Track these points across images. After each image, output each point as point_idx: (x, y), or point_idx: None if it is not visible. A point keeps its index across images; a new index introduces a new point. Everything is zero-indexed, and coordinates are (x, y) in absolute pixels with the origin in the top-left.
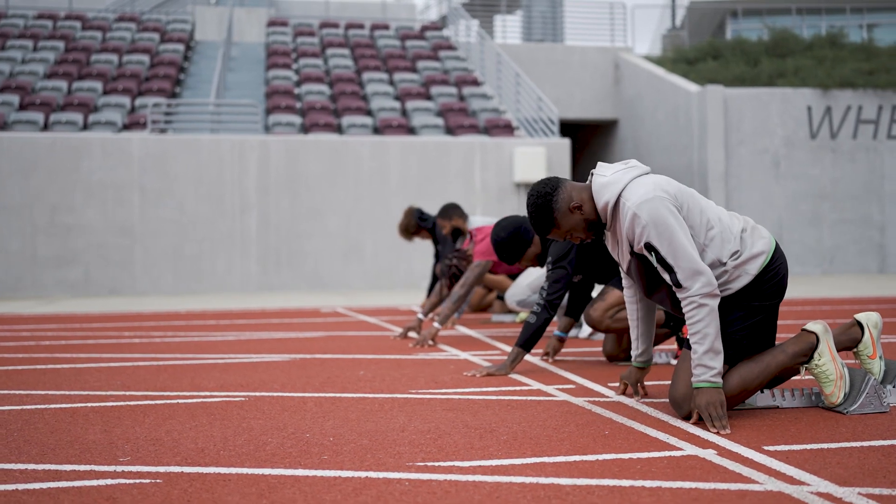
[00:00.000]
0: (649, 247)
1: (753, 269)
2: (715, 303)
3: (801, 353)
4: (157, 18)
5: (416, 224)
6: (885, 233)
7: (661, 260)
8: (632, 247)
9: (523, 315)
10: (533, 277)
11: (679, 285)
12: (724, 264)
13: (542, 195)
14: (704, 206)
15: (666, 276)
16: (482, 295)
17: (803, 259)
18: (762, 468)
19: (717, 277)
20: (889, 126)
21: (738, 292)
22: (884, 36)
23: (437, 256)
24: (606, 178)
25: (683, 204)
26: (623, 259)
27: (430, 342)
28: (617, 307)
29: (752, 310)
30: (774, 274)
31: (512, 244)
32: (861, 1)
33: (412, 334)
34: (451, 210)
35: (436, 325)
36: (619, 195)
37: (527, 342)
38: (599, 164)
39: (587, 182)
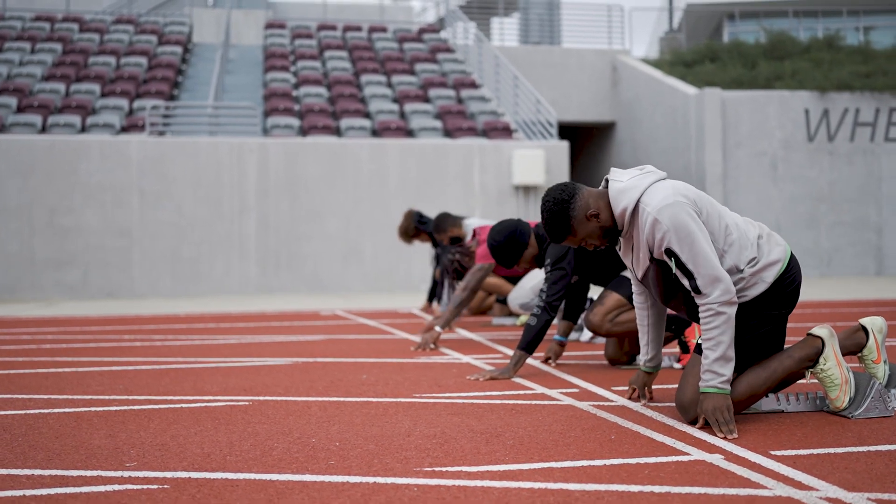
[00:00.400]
0: (669, 252)
1: (770, 276)
2: (733, 311)
3: (808, 357)
4: (154, 20)
5: (414, 227)
6: (883, 235)
7: (680, 265)
8: (651, 253)
9: (524, 318)
10: (537, 280)
11: (698, 291)
12: (742, 271)
13: (560, 202)
14: (721, 211)
15: (685, 282)
16: (482, 298)
17: (801, 261)
18: (770, 473)
19: (735, 284)
20: (886, 128)
21: (754, 300)
22: (880, 38)
23: (438, 260)
24: (623, 184)
25: (703, 209)
26: (639, 266)
27: (432, 346)
28: (616, 311)
29: (766, 318)
30: (791, 282)
31: (508, 248)
32: (857, 3)
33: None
34: (444, 222)
35: (437, 328)
36: (639, 200)
37: (529, 345)
38: (613, 169)
39: (601, 187)
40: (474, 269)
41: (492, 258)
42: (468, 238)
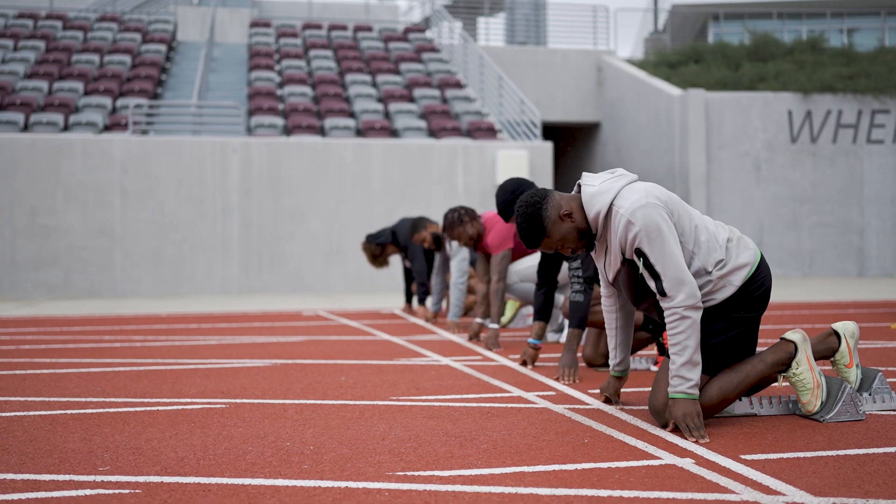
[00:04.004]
0: (639, 252)
1: (737, 280)
2: (697, 315)
3: (780, 362)
4: (138, 18)
5: (375, 246)
6: (864, 236)
7: (648, 266)
8: (623, 254)
9: (505, 320)
10: (524, 266)
11: (664, 294)
12: (710, 273)
13: (532, 205)
14: (692, 213)
15: (651, 284)
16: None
17: (783, 262)
18: (739, 477)
19: (702, 287)
20: (868, 130)
21: (722, 303)
22: (864, 40)
23: (407, 270)
24: (596, 188)
25: (674, 211)
26: (611, 269)
27: (496, 346)
28: (596, 299)
29: (734, 321)
30: (758, 286)
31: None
32: (841, 5)
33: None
34: (420, 224)
35: (493, 326)
36: (612, 203)
37: (581, 321)
38: (585, 174)
39: (573, 193)
40: (496, 258)
41: (507, 243)
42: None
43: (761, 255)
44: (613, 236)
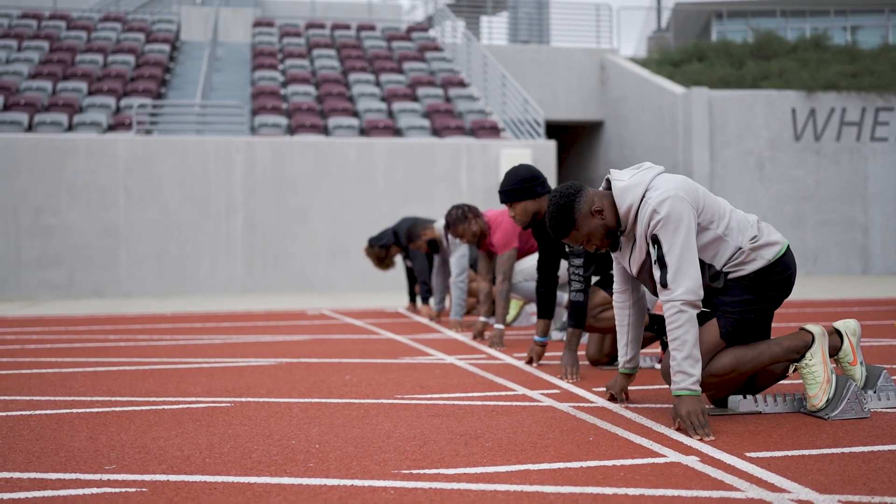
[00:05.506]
0: (655, 239)
1: (769, 254)
2: (694, 312)
3: (795, 349)
4: (142, 18)
5: (379, 249)
6: (869, 234)
7: (660, 255)
8: (647, 244)
9: (510, 316)
10: (528, 264)
11: (665, 285)
12: (742, 248)
13: (566, 195)
14: (720, 201)
15: (657, 274)
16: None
17: None
18: (744, 475)
19: (734, 259)
20: (872, 128)
21: (750, 276)
22: (867, 38)
23: (409, 270)
24: (626, 182)
25: (700, 201)
26: (636, 261)
27: (501, 345)
28: (600, 307)
29: (760, 296)
30: (785, 267)
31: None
32: (845, 3)
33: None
34: (416, 229)
35: (498, 326)
36: (643, 196)
37: (581, 320)
38: (613, 170)
39: (601, 188)
40: (502, 258)
41: (512, 242)
42: (443, 239)
43: (787, 243)
44: (640, 226)
